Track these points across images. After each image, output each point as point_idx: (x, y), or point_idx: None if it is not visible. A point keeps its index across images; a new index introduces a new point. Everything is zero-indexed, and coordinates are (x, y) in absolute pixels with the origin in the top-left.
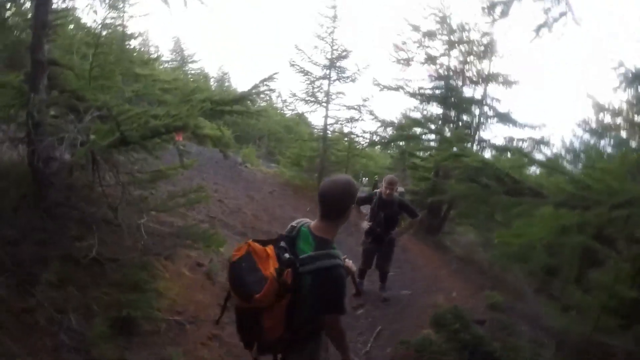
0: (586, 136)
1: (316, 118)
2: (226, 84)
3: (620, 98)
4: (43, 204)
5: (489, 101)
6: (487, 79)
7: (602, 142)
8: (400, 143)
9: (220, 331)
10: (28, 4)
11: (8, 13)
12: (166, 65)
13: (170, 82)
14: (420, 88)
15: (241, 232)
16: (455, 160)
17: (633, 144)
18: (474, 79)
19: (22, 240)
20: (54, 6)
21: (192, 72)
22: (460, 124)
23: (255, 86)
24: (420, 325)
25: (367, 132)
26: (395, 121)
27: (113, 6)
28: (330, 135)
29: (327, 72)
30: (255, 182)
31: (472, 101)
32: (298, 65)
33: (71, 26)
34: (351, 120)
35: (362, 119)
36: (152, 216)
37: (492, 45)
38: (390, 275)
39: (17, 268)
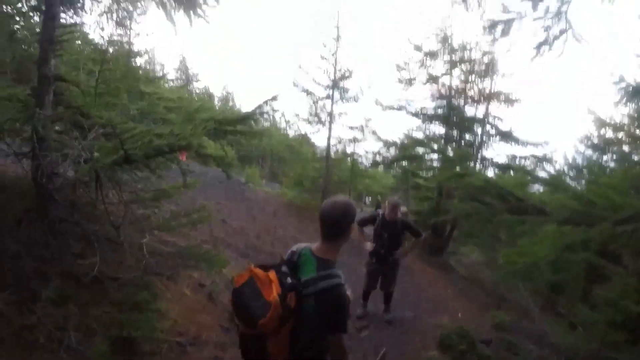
0: (588, 152)
1: (319, 138)
2: (230, 103)
3: (622, 112)
4: (46, 220)
5: (490, 120)
6: (489, 97)
7: (605, 157)
8: (403, 163)
9: (222, 352)
10: (37, 18)
11: (17, 26)
12: (171, 83)
13: (175, 100)
14: (422, 107)
15: (244, 252)
16: (458, 180)
17: (635, 157)
18: (476, 98)
19: (24, 255)
20: (62, 21)
21: (197, 90)
22: (462, 142)
23: (259, 106)
24: (426, 347)
25: (369, 152)
26: (398, 141)
27: (120, 23)
28: (333, 156)
29: (330, 92)
30: (258, 202)
31: (474, 120)
32: (301, 86)
33: (78, 42)
34: (354, 140)
35: (364, 139)
36: (155, 235)
37: (494, 64)
38: (394, 296)
39: (18, 283)
